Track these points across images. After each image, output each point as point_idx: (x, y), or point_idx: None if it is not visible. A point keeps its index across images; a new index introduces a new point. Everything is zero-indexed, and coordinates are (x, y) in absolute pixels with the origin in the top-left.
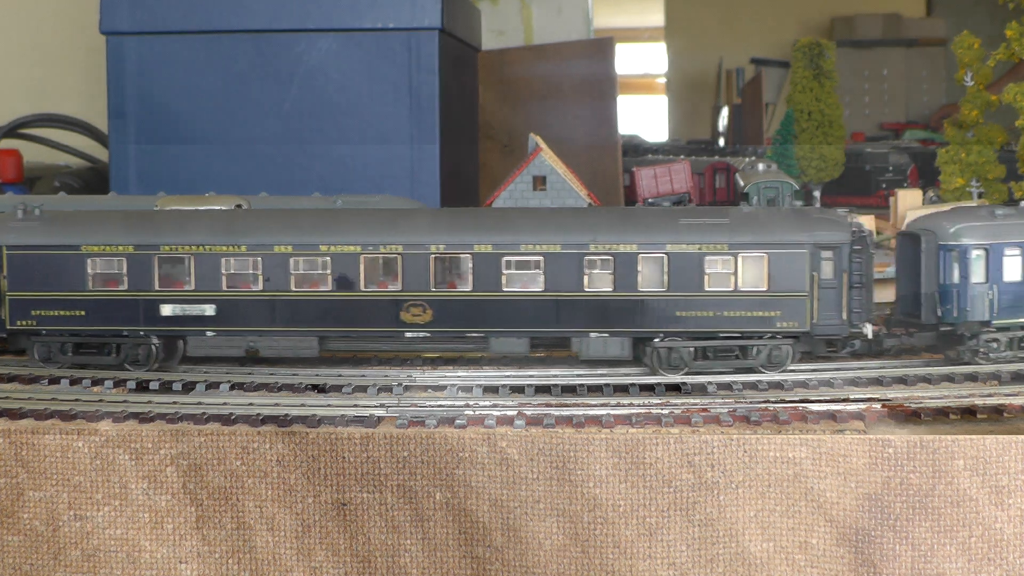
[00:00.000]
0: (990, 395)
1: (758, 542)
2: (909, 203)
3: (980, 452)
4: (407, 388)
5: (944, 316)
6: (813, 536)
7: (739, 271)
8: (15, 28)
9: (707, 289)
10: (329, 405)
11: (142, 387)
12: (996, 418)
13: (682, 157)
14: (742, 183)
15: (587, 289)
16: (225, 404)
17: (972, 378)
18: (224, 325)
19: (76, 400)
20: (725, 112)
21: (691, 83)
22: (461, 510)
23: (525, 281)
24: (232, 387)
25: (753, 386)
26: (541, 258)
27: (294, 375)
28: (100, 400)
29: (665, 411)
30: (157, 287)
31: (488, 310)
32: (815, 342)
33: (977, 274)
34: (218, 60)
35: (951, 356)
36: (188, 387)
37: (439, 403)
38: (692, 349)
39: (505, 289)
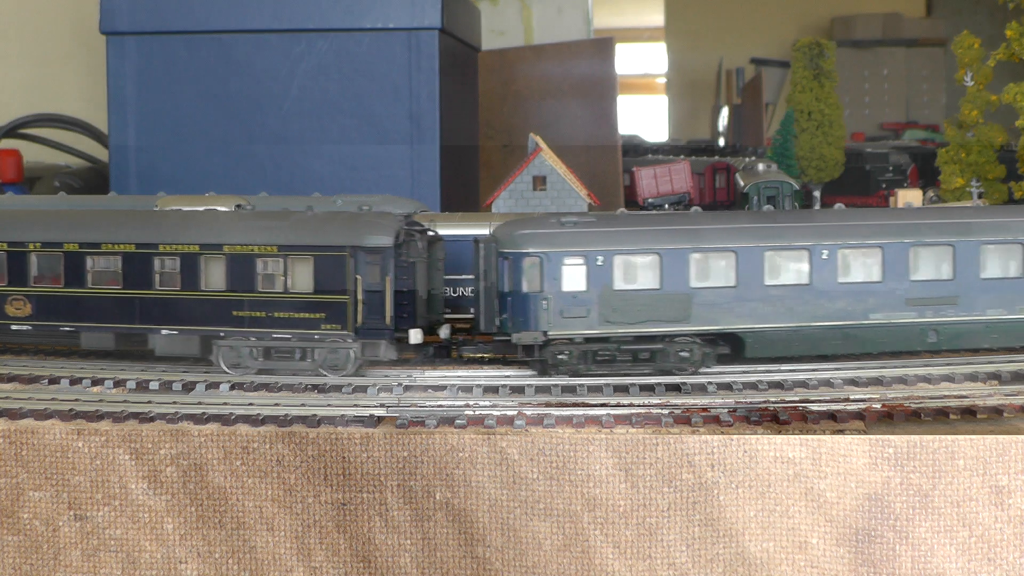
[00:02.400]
0: (990, 395)
1: (758, 542)
2: (909, 203)
3: (980, 452)
4: (407, 388)
5: (502, 325)
6: (813, 536)
7: (288, 273)
8: (15, 28)
9: (260, 290)
10: (329, 405)
11: (142, 387)
12: (996, 418)
13: (682, 157)
14: (742, 183)
15: (158, 287)
16: (225, 404)
17: (972, 378)
18: None
19: (76, 400)
20: (725, 112)
21: (691, 83)
22: (461, 510)
23: (109, 279)
24: (232, 387)
25: (753, 386)
26: (119, 257)
27: (294, 375)
28: (100, 400)
29: (665, 411)
30: None
31: (78, 306)
32: (368, 346)
33: (531, 283)
34: (218, 60)
35: (538, 367)
36: (188, 387)
37: (439, 403)
38: (251, 348)
39: (91, 286)
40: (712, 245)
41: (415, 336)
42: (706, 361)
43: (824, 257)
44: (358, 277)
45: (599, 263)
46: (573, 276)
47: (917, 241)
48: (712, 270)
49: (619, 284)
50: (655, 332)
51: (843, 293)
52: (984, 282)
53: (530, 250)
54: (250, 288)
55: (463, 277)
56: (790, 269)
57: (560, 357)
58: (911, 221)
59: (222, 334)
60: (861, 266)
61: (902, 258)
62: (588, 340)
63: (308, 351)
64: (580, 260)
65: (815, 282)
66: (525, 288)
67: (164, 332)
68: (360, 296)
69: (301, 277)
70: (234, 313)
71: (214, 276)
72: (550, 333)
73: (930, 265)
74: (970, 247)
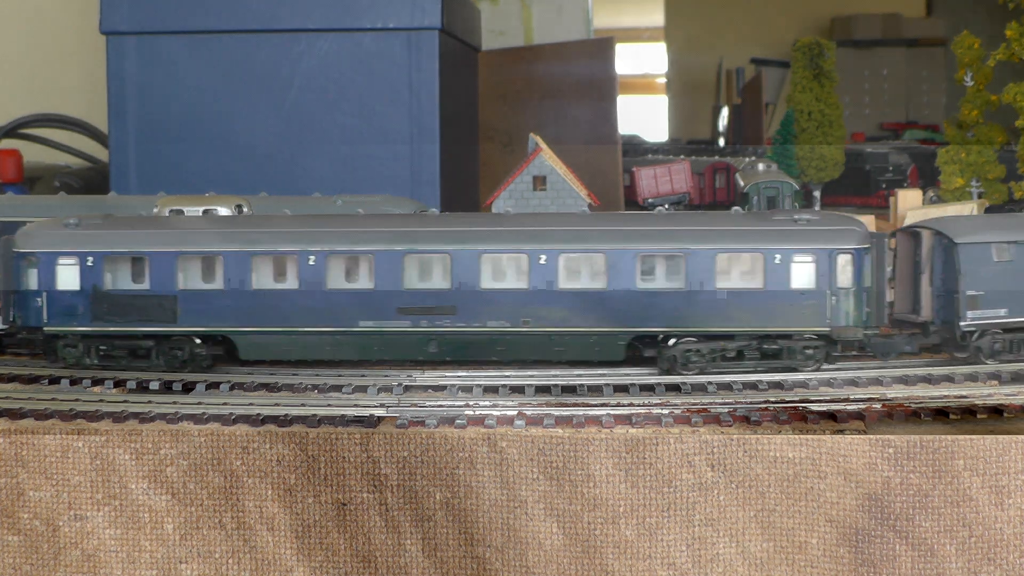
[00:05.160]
0: (990, 395)
1: (758, 542)
2: (909, 203)
3: (980, 452)
4: (407, 388)
5: (14, 320)
6: (813, 536)
7: None
8: (15, 28)
9: None
10: (329, 405)
11: (142, 387)
12: (996, 418)
13: (682, 157)
14: (742, 183)
15: None
16: (225, 404)
17: (972, 378)
18: None
19: (76, 400)
20: (725, 112)
21: (691, 83)
22: (461, 510)
23: None
24: (232, 387)
25: (753, 386)
26: None
27: (294, 375)
28: (100, 400)
29: (665, 411)
30: None
31: None
32: None
33: (31, 281)
34: (218, 60)
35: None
36: (188, 387)
37: (439, 403)
38: None
39: None
40: (196, 249)
41: None
42: (201, 361)
43: (311, 263)
44: None
45: (90, 264)
46: (67, 275)
47: (410, 249)
48: (201, 273)
49: (108, 284)
50: (145, 331)
51: (330, 299)
52: (485, 292)
53: (29, 249)
54: None
55: None
56: (270, 273)
57: (69, 350)
58: (404, 228)
59: None
60: (351, 273)
61: (394, 266)
62: (87, 336)
63: None
64: (74, 260)
65: (302, 287)
66: (26, 285)
67: None
68: None
69: None
70: None
71: None
72: (47, 329)
73: (426, 274)
74: (469, 256)
